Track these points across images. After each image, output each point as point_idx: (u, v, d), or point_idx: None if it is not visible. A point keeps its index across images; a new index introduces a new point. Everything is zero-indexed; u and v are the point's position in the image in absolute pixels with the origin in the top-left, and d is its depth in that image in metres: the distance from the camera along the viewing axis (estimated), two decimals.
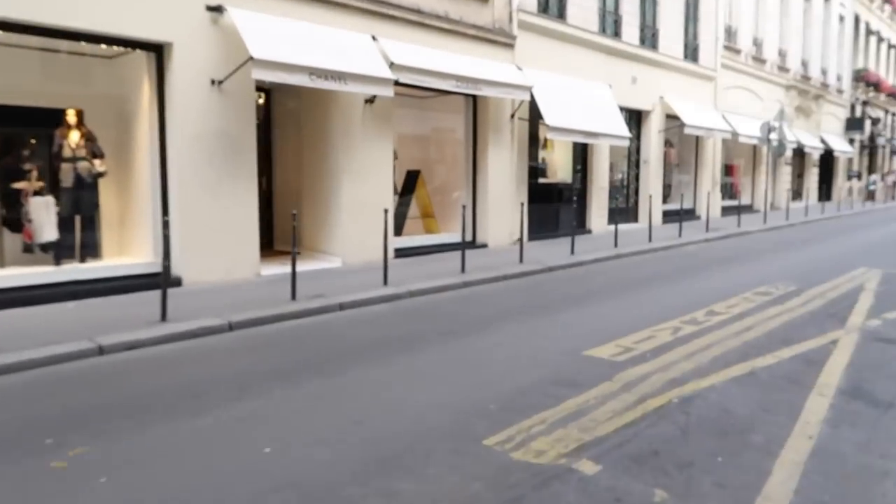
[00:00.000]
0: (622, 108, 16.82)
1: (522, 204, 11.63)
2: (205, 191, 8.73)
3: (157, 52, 8.44)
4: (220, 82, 8.72)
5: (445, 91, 11.73)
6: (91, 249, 8.72)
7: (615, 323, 6.85)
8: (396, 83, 10.60)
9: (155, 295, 7.46)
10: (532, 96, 13.04)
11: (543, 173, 15.55)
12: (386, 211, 9.12)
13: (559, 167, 15.91)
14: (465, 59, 11.85)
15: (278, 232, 11.98)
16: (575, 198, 13.81)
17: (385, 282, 9.02)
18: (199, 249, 8.68)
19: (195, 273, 8.65)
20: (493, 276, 10.08)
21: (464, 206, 10.52)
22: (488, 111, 12.89)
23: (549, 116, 13.07)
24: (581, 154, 15.81)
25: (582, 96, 14.55)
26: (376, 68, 9.87)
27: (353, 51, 9.85)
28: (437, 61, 11.10)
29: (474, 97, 12.82)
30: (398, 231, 12.46)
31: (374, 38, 10.40)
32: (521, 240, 11.36)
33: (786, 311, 7.38)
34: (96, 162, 8.47)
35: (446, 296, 8.85)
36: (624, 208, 17.61)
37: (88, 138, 8.46)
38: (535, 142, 14.34)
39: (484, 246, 13.05)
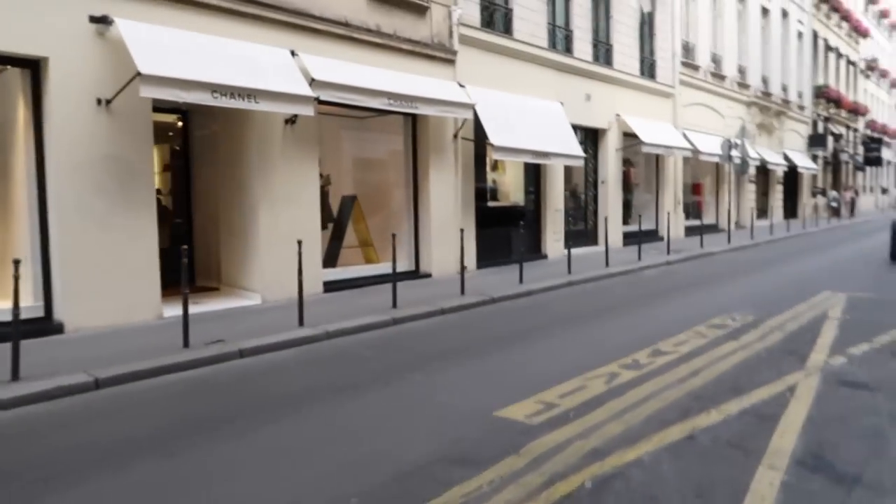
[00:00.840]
0: (577, 127, 16.14)
1: (462, 230, 10.71)
2: (92, 224, 7.71)
3: (33, 68, 7.45)
4: (109, 101, 7.75)
5: (381, 110, 10.90)
6: None
7: (544, 369, 5.96)
8: (323, 102, 9.79)
9: (33, 344, 6.46)
10: (476, 115, 12.27)
11: (494, 196, 14.74)
12: (300, 242, 8.13)
13: (511, 189, 15.12)
14: (400, 75, 11.03)
15: (200, 266, 10.96)
16: (521, 222, 12.98)
17: (301, 321, 8.05)
18: (85, 290, 7.64)
19: (81, 317, 7.61)
20: (427, 310, 9.16)
21: (393, 235, 9.57)
22: (428, 131, 12.05)
23: (495, 136, 12.27)
24: (534, 175, 15.04)
25: (531, 114, 13.80)
26: (293, 85, 8.98)
27: (268, 67, 8.96)
28: (365, 78, 10.24)
29: (414, 117, 12.00)
30: (331, 262, 11.52)
31: (293, 53, 9.52)
32: (462, 268, 10.45)
33: (740, 349, 6.54)
34: None
35: (369, 336, 7.89)
36: (582, 231, 16.86)
37: None
38: (482, 163, 13.53)
39: (428, 276, 12.14)
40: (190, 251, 10.96)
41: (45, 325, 7.50)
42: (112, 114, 7.83)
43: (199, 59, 8.18)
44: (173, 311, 8.72)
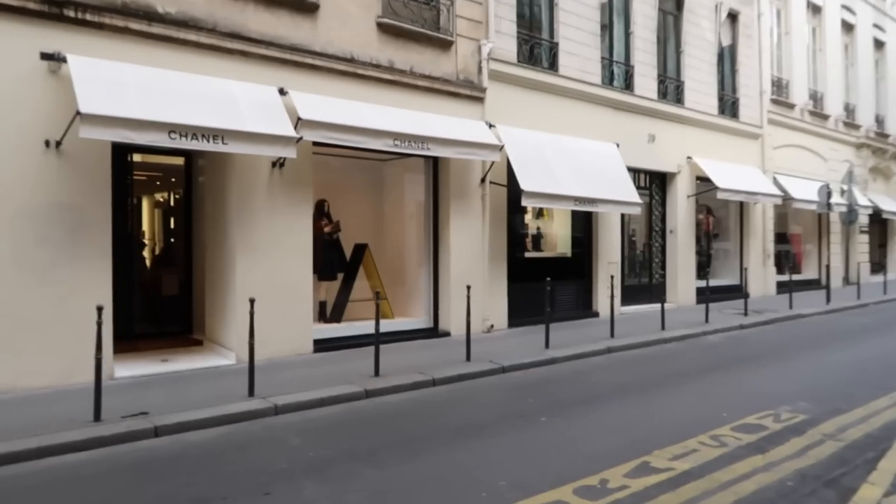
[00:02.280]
0: (637, 171, 14.53)
1: (469, 287, 9.35)
2: (30, 277, 7.07)
3: None
4: (59, 143, 7.17)
5: (388, 152, 9.92)
6: None
7: (462, 486, 4.53)
8: (325, 144, 8.95)
9: None
10: (508, 158, 11.02)
11: (538, 245, 13.30)
12: (253, 301, 7.10)
13: (558, 239, 13.62)
14: (412, 114, 10.00)
15: (197, 319, 10.26)
16: (545, 277, 11.46)
17: (251, 391, 6.99)
18: (17, 349, 6.96)
19: (11, 378, 6.92)
20: (414, 381, 7.86)
21: (376, 292, 8.39)
22: (449, 175, 10.90)
23: (527, 180, 10.92)
24: (584, 224, 13.48)
25: (577, 157, 12.36)
26: (272, 125, 8.13)
27: (247, 106, 8.18)
28: (366, 117, 9.28)
29: (435, 160, 10.91)
30: (337, 316, 10.50)
31: (282, 91, 8.72)
32: (490, 328, 9.11)
33: (762, 470, 4.80)
34: None
35: (323, 414, 6.69)
36: (646, 286, 14.98)
37: None
38: (519, 210, 12.16)
39: (446, 334, 10.83)
40: (188, 302, 10.39)
41: None
42: (63, 157, 7.25)
43: (161, 97, 7.50)
44: (133, 369, 8.00)
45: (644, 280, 15.02)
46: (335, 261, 10.65)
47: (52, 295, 7.16)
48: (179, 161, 10.52)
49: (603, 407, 6.79)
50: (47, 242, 7.18)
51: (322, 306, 10.59)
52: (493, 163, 10.99)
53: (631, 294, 14.31)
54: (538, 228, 13.47)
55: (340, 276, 10.84)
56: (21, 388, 6.95)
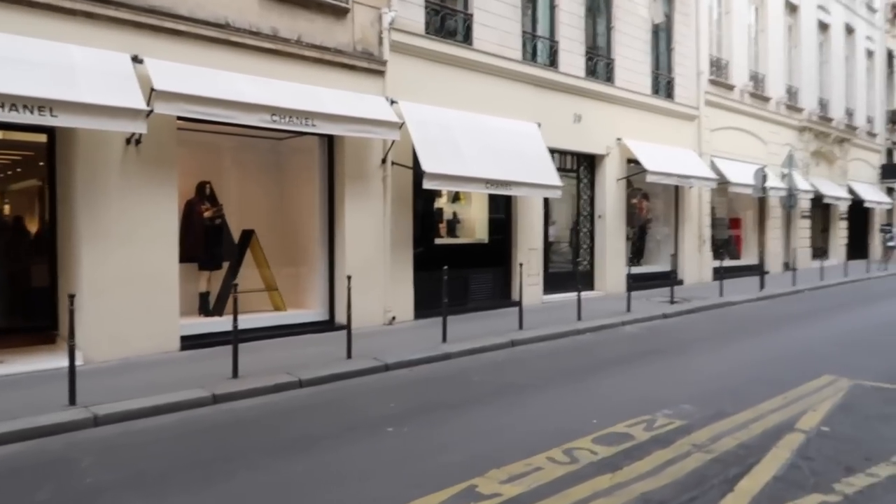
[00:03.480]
0: (563, 152, 13.88)
1: (349, 277, 8.56)
2: None
3: None
4: None
5: (281, 130, 9.06)
6: None
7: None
8: (199, 120, 8.08)
9: None
10: (411, 136, 10.22)
11: (453, 231, 12.57)
12: (72, 297, 6.21)
13: (476, 225, 12.90)
14: (296, 87, 9.12)
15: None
16: (459, 265, 10.74)
17: (72, 399, 6.12)
18: None
19: None
20: (274, 383, 7.06)
21: (235, 285, 7.52)
22: (345, 155, 10.06)
23: (429, 161, 10.14)
24: (504, 208, 12.77)
25: (490, 137, 11.60)
26: (117, 97, 7.20)
27: (87, 74, 7.22)
28: (239, 89, 8.39)
29: (330, 139, 10.05)
30: (219, 310, 9.64)
31: (137, 59, 7.77)
32: (348, 321, 8.32)
33: (602, 495, 4.11)
34: None
35: (155, 424, 5.86)
36: (572, 273, 14.35)
37: None
38: (426, 193, 11.36)
39: (343, 327, 10.02)
40: (53, 293, 9.40)
41: None
42: None
43: None
44: None
45: (570, 267, 14.39)
46: (219, 249, 9.75)
47: None
48: (43, 139, 9.48)
49: (466, 413, 6.07)
50: None
51: (203, 298, 9.70)
52: (393, 142, 10.17)
53: (555, 282, 13.68)
54: (454, 213, 12.73)
55: (226, 265, 9.95)
56: None
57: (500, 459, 4.64)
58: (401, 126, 9.94)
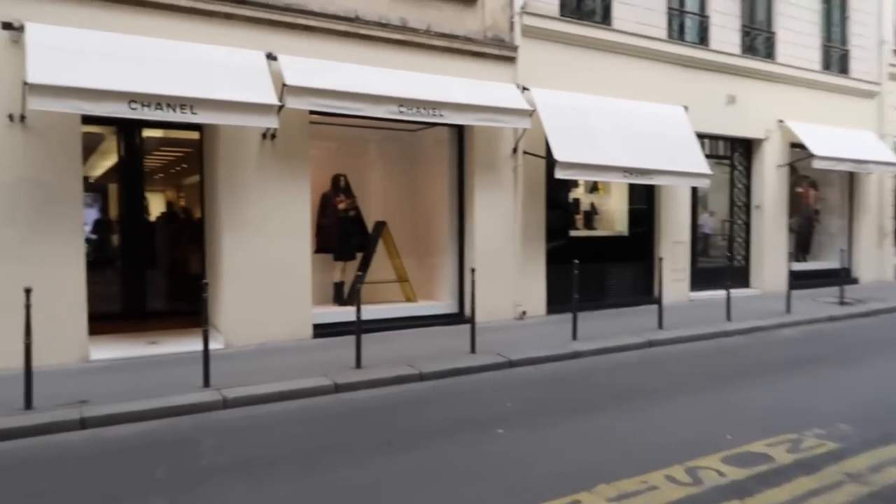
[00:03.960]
0: (714, 137, 12.79)
1: (473, 270, 8.33)
2: (1, 254, 6.90)
3: None
4: (22, 118, 6.91)
5: (409, 122, 9.05)
6: None
7: None
8: (321, 113, 8.30)
9: None
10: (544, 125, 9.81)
11: (590, 223, 11.98)
12: (205, 283, 6.53)
13: (617, 216, 12.20)
14: (425, 78, 9.04)
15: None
16: (597, 258, 10.06)
17: (206, 381, 6.44)
18: None
19: None
20: (395, 375, 7.05)
21: (359, 275, 7.56)
22: (474, 145, 9.86)
23: (561, 149, 9.68)
24: (646, 198, 11.96)
25: (630, 123, 10.86)
26: (251, 93, 7.50)
27: (224, 72, 7.59)
28: (368, 82, 8.45)
29: (460, 129, 9.91)
30: (348, 300, 9.82)
31: (271, 56, 8.06)
32: (472, 317, 8.12)
33: None
34: None
35: (277, 410, 6.04)
36: (724, 269, 13.14)
37: None
38: (561, 184, 10.87)
39: (470, 321, 9.86)
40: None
41: None
42: (29, 132, 6.98)
43: (126, 65, 7.04)
44: (114, 351, 7.72)
45: (722, 262, 13.20)
46: (353, 240, 9.95)
47: (21, 273, 6.91)
48: (196, 136, 10.19)
49: (585, 417, 5.64)
50: (15, 219, 6.96)
51: (338, 288, 9.95)
52: (524, 130, 9.82)
53: (705, 278, 12.60)
54: (592, 204, 12.12)
55: (359, 256, 10.14)
56: None
57: (613, 473, 4.21)
58: (531, 114, 9.56)
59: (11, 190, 6.95)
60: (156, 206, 11.31)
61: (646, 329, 9.38)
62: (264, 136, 8.19)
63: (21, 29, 6.85)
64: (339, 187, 9.90)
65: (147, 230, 10.06)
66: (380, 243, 10.14)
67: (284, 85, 7.79)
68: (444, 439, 5.09)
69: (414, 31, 9.20)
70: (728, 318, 10.17)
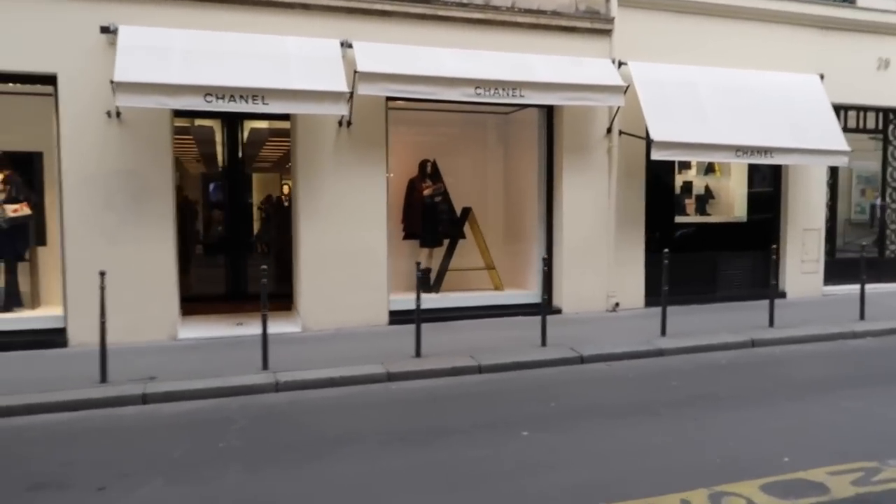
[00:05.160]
0: (861, 108, 11.17)
1: (546, 259, 7.85)
2: (101, 238, 7.57)
3: (54, 84, 7.58)
4: (119, 114, 7.50)
5: (487, 103, 8.71)
6: (14, 298, 8.24)
7: None
8: (398, 99, 8.32)
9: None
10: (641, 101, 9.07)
11: (703, 209, 10.94)
12: (265, 271, 6.72)
13: (735, 200, 11.03)
14: (505, 57, 8.66)
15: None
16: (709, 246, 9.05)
17: (265, 364, 6.67)
18: (89, 305, 7.51)
19: (86, 333, 7.50)
20: (452, 366, 6.87)
21: (417, 265, 7.37)
22: (563, 126, 9.33)
23: (659, 127, 8.88)
24: (772, 180, 10.69)
25: (748, 96, 9.71)
26: (322, 81, 7.59)
27: (299, 62, 7.74)
28: (443, 64, 8.24)
29: (550, 109, 9.43)
30: (433, 287, 9.76)
31: (345, 44, 8.11)
32: (543, 308, 7.69)
33: None
34: (9, 207, 7.95)
35: (329, 395, 6.15)
36: (873, 260, 11.47)
37: (7, 182, 8.02)
38: (668, 165, 10.00)
39: (558, 311, 9.42)
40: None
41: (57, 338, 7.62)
42: (125, 127, 7.58)
43: (204, 60, 7.40)
44: (205, 331, 8.22)
45: (871, 253, 11.50)
46: (439, 226, 9.85)
47: (118, 255, 7.54)
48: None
49: (625, 425, 5.10)
50: (114, 206, 7.60)
51: (424, 274, 9.88)
52: (618, 109, 9.13)
53: (844, 271, 11.04)
54: (707, 187, 11.04)
55: (446, 242, 10.01)
56: (90, 343, 7.50)
57: (620, 491, 3.75)
58: (626, 90, 8.84)
59: (111, 180, 7.59)
60: (261, 193, 11.91)
61: (754, 326, 8.40)
62: (340, 123, 8.28)
63: (115, 31, 7.41)
64: (426, 173, 9.82)
65: (250, 217, 10.63)
66: (468, 230, 9.94)
67: (356, 72, 7.81)
68: (462, 437, 4.85)
69: (496, 8, 8.83)
70: (862, 316, 8.85)
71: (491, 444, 4.69)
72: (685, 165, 10.68)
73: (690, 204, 10.78)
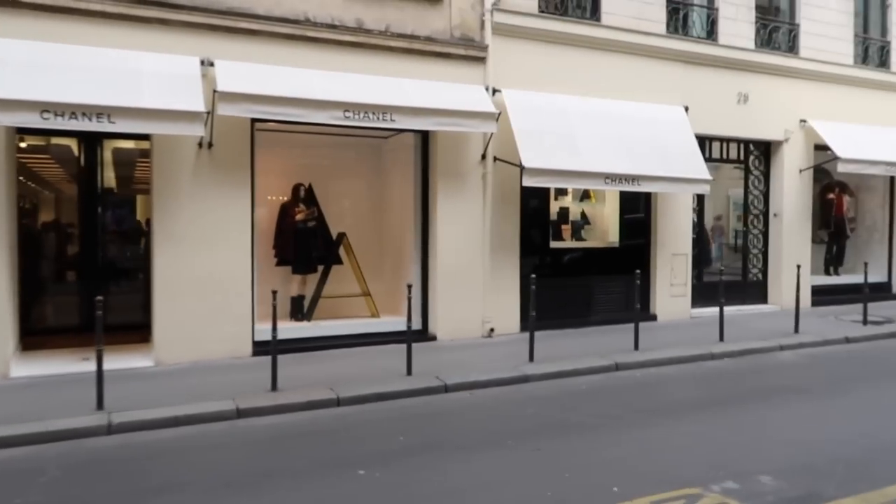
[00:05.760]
0: (725, 139, 11.83)
1: (410, 285, 7.75)
2: None
3: None
4: None
5: (357, 127, 8.52)
6: None
7: None
8: (265, 120, 7.98)
9: None
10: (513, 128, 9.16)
11: (578, 234, 11.18)
12: (99, 303, 6.23)
13: (610, 226, 11.34)
14: (377, 81, 8.55)
15: None
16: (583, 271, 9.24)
17: (99, 404, 6.13)
18: None
19: None
20: (307, 400, 6.57)
21: (274, 294, 7.05)
22: (437, 152, 9.30)
23: (530, 154, 8.99)
24: (642, 207, 11.06)
25: (618, 125, 10.04)
26: (177, 100, 7.20)
27: (152, 79, 7.31)
28: (312, 86, 8.03)
29: (425, 135, 9.37)
30: (306, 315, 9.44)
31: (206, 62, 7.75)
32: (408, 337, 7.54)
33: None
34: None
35: (174, 437, 5.68)
36: (737, 283, 12.09)
37: None
38: (544, 192, 10.16)
39: (433, 339, 9.31)
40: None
41: None
42: None
43: (44, 74, 6.86)
44: (45, 369, 7.52)
45: (735, 277, 12.13)
46: (313, 252, 9.55)
47: None
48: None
49: (464, 459, 4.98)
50: None
51: (296, 302, 9.56)
52: (491, 135, 9.20)
53: (710, 294, 11.50)
54: (583, 214, 11.31)
55: (321, 269, 9.72)
56: None
57: None
58: (498, 117, 8.91)
59: None
60: (127, 217, 11.23)
61: (621, 350, 8.57)
62: (200, 144, 7.88)
63: None
64: (300, 197, 9.53)
65: (112, 242, 9.96)
66: (344, 256, 9.70)
67: (215, 91, 7.47)
68: (291, 480, 4.59)
69: (368, 31, 8.72)
70: (721, 338, 9.22)
71: (321, 487, 4.45)
72: (562, 192, 10.90)
73: (567, 230, 10.99)
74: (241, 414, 6.26)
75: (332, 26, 8.53)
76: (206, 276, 7.94)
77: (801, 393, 6.90)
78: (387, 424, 5.99)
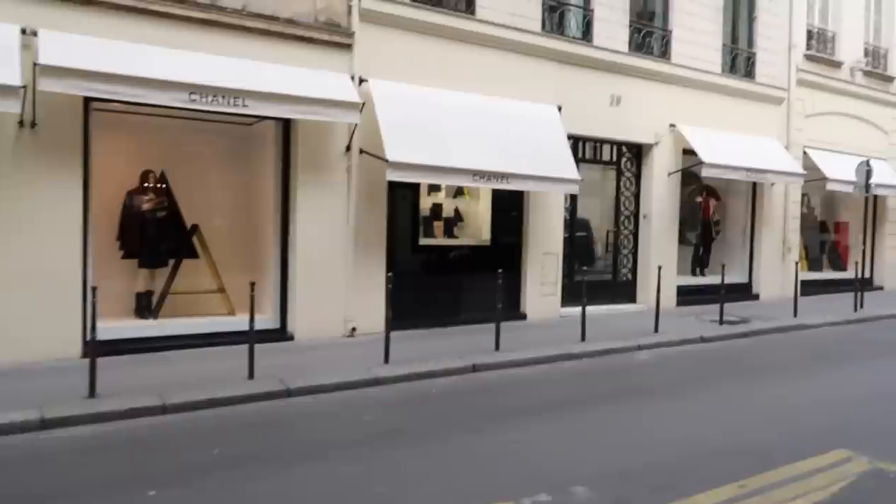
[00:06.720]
0: (598, 140, 11.94)
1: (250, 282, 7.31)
2: None
3: None
4: None
5: (207, 111, 7.91)
6: None
7: None
8: (103, 100, 7.23)
9: None
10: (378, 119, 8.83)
11: (450, 231, 11.02)
12: None
13: (484, 224, 11.24)
14: (229, 62, 7.99)
15: None
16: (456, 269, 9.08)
17: None
18: None
19: None
20: (129, 407, 5.99)
21: (93, 290, 6.46)
22: (298, 142, 8.85)
23: (395, 148, 8.70)
24: (515, 205, 11.02)
25: (489, 122, 9.92)
26: None
27: None
28: (152, 64, 7.38)
29: (286, 123, 8.88)
30: (153, 312, 8.76)
31: (27, 31, 6.96)
32: (250, 337, 7.08)
33: None
34: None
35: None
36: (607, 283, 12.34)
37: None
38: (416, 187, 9.92)
39: (290, 338, 8.87)
40: None
41: None
42: None
43: None
44: None
45: (604, 276, 12.38)
46: (161, 245, 8.87)
47: None
48: None
49: (273, 474, 4.63)
50: None
51: (142, 298, 8.86)
52: (355, 126, 8.83)
53: (580, 293, 11.71)
54: (456, 210, 11.16)
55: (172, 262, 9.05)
56: None
57: None
58: (362, 107, 8.57)
59: None
60: None
61: (480, 351, 8.45)
62: (21, 123, 7.08)
63: None
64: (148, 185, 8.82)
65: None
66: (200, 250, 9.08)
67: (35, 64, 6.71)
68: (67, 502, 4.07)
69: (222, 9, 8.14)
70: (583, 338, 9.28)
71: None
72: (435, 188, 10.71)
73: (439, 226, 10.81)
74: (45, 425, 5.62)
75: (180, 1, 7.89)
76: (29, 268, 7.17)
77: (645, 395, 6.97)
78: (210, 435, 5.54)
